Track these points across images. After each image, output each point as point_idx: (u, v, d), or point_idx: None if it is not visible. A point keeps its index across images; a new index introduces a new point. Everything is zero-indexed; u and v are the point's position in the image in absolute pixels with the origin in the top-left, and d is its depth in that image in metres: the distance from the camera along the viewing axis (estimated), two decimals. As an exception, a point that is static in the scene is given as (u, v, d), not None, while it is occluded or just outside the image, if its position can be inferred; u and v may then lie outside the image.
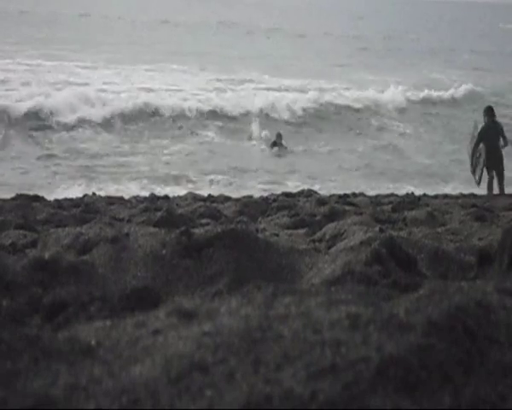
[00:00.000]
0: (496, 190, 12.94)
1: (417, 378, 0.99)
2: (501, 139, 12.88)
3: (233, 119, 19.84)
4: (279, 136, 18.37)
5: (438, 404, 0.96)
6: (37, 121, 17.14)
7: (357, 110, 21.67)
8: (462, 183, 14.23)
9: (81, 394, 0.98)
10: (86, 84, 21.70)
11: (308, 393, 0.95)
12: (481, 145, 12.93)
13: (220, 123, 19.43)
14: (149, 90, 21.76)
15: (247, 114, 20.02)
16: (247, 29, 47.90)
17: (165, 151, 16.38)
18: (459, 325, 1.11)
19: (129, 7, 60.20)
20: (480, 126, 13.25)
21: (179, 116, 19.25)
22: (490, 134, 12.90)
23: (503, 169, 13.03)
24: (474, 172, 13.10)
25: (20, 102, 17.97)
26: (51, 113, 17.51)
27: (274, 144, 18.21)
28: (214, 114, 19.83)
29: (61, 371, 1.06)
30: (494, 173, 12.93)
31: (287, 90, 23.05)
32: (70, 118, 17.58)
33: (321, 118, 20.80)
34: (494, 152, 12.80)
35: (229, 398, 0.95)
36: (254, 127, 19.12)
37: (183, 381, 1.00)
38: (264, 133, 18.76)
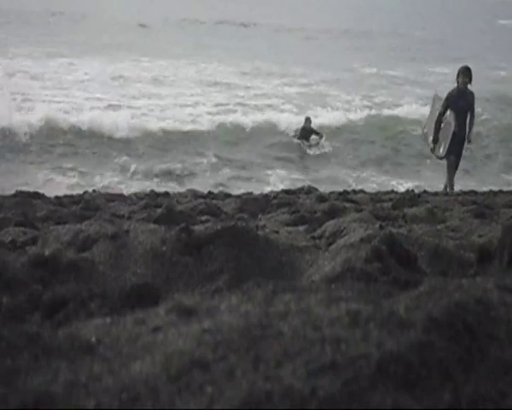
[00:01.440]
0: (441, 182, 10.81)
1: (417, 375, 0.99)
2: (468, 117, 10.29)
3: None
4: (308, 120, 16.19)
5: (438, 401, 0.96)
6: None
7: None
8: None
9: (81, 391, 0.98)
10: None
11: (308, 390, 0.95)
12: (448, 112, 10.34)
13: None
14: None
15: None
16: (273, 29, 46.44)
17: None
18: (459, 322, 1.11)
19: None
20: (441, 98, 10.67)
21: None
22: (459, 105, 10.25)
23: (460, 156, 10.52)
24: (435, 144, 10.55)
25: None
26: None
27: (303, 133, 15.82)
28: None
29: (61, 368, 1.06)
30: (452, 159, 10.44)
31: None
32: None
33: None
34: (459, 131, 10.28)
35: (229, 395, 0.95)
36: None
37: (183, 378, 1.00)
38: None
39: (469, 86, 10.47)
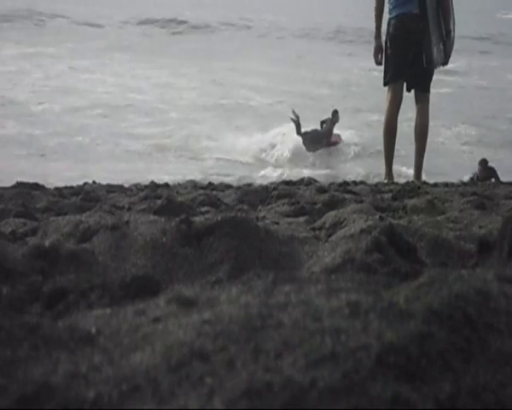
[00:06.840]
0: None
1: (417, 366, 1.00)
2: None
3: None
4: (335, 113, 13.02)
5: (438, 391, 0.97)
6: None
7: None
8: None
9: (81, 381, 0.98)
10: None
11: (308, 380, 0.95)
12: None
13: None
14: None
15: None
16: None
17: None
18: (459, 313, 1.11)
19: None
20: None
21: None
22: None
23: (425, 82, 5.86)
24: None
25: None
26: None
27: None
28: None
29: (61, 358, 1.06)
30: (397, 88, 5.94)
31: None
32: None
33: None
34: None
35: (229, 386, 0.95)
36: None
37: (183, 369, 1.00)
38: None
39: None
